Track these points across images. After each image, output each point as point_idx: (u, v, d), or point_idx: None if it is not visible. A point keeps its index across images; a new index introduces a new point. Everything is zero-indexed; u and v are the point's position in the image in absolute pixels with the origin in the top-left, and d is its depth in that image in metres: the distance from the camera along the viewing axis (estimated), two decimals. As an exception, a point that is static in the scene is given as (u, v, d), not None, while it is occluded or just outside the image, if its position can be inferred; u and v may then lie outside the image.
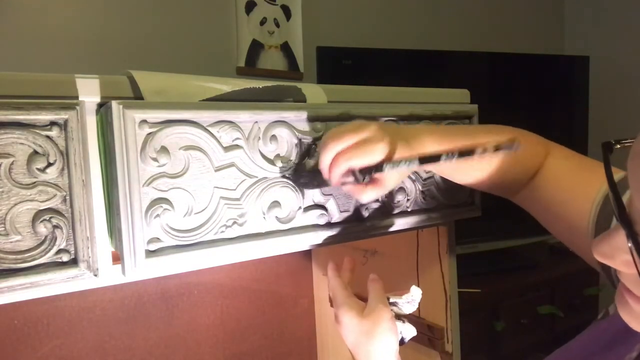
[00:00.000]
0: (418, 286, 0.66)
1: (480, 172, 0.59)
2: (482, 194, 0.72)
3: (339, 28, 1.66)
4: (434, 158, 0.51)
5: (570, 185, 0.55)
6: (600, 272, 0.51)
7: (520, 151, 0.57)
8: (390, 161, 0.51)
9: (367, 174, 0.51)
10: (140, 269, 0.46)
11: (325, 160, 0.51)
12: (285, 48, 1.55)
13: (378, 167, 0.51)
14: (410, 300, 0.66)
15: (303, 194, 0.57)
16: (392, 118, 0.64)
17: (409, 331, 0.66)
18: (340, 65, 1.52)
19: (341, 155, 0.50)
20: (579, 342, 0.51)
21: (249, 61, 1.49)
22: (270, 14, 1.51)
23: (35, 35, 1.20)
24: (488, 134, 0.58)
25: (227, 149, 0.51)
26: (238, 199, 0.52)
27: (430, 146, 0.54)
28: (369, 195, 0.53)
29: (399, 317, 0.66)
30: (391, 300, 0.66)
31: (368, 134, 0.51)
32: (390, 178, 0.53)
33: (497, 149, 0.48)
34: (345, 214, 0.60)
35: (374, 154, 0.50)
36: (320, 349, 1.07)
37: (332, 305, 1.00)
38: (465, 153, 0.49)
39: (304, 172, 0.56)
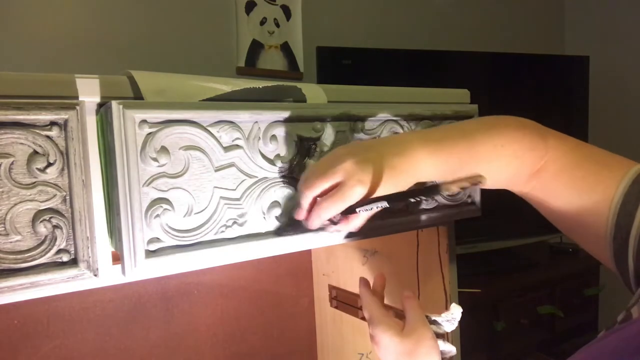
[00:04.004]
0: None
1: (479, 171, 0.58)
2: (482, 194, 0.72)
3: (339, 28, 1.66)
4: (401, 199, 0.52)
5: (577, 180, 0.53)
6: (616, 273, 0.50)
7: (516, 145, 0.56)
8: (361, 204, 0.50)
9: (341, 216, 0.53)
10: (140, 269, 0.46)
11: (303, 206, 0.52)
12: (285, 48, 1.55)
13: (350, 210, 0.51)
14: (450, 318, 0.65)
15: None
16: (392, 118, 0.64)
17: (450, 350, 0.64)
18: (340, 65, 1.52)
19: (320, 205, 0.50)
20: (605, 345, 0.48)
21: (249, 61, 1.49)
22: (270, 14, 1.51)
23: (35, 35, 1.20)
24: (487, 133, 0.57)
25: (227, 149, 0.51)
26: (238, 199, 0.52)
27: (422, 161, 0.52)
28: (341, 233, 0.56)
29: (438, 335, 0.64)
30: (432, 318, 0.64)
31: (340, 177, 0.49)
32: (362, 216, 0.54)
33: (462, 188, 0.47)
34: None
35: (350, 200, 0.49)
36: (320, 349, 1.07)
37: (332, 306, 1.01)
38: (431, 193, 0.49)
39: (288, 227, 0.56)
